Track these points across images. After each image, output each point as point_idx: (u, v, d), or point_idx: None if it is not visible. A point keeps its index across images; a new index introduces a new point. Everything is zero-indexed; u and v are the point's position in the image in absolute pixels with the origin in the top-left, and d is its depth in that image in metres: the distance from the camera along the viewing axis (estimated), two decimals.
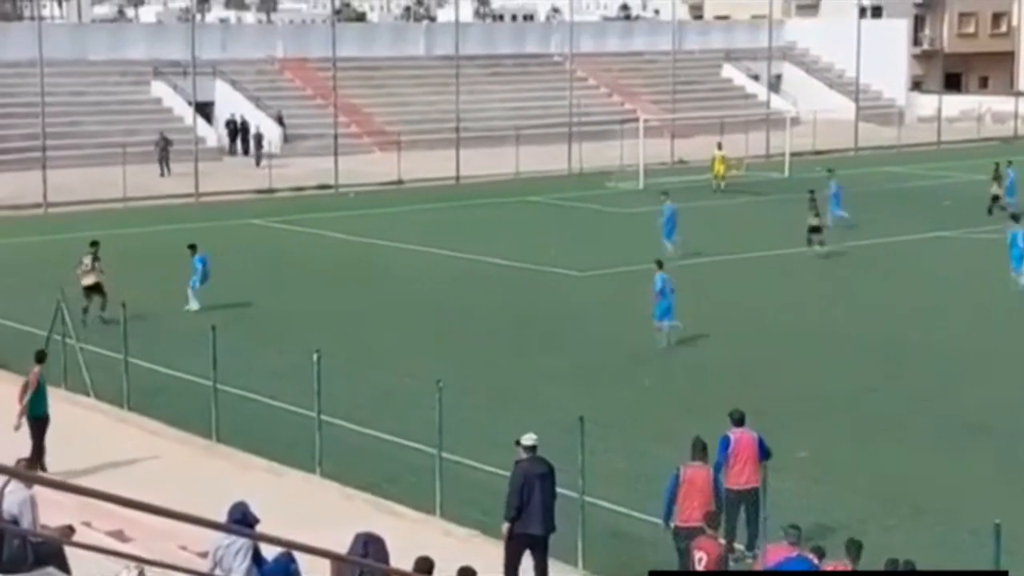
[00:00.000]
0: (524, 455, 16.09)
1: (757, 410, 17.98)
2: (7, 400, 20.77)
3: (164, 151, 54.56)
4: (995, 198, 43.22)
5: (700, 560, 14.66)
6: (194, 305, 30.09)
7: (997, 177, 43.96)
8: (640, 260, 36.89)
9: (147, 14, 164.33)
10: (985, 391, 24.46)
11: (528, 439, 16.11)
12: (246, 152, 60.81)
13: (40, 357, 20.86)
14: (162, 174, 53.89)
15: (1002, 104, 76.77)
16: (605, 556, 16.99)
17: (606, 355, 26.89)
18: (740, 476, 16.84)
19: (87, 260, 29.08)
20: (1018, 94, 76.05)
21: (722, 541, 15.17)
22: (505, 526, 16.08)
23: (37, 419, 19.89)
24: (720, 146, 51.98)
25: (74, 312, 25.21)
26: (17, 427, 19.70)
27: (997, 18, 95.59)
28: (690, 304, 31.66)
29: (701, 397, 23.40)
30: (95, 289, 28.69)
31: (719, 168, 50.17)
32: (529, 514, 15.82)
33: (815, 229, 36.69)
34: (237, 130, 61.91)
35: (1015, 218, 34.69)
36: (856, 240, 39.21)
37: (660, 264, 28.14)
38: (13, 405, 20.13)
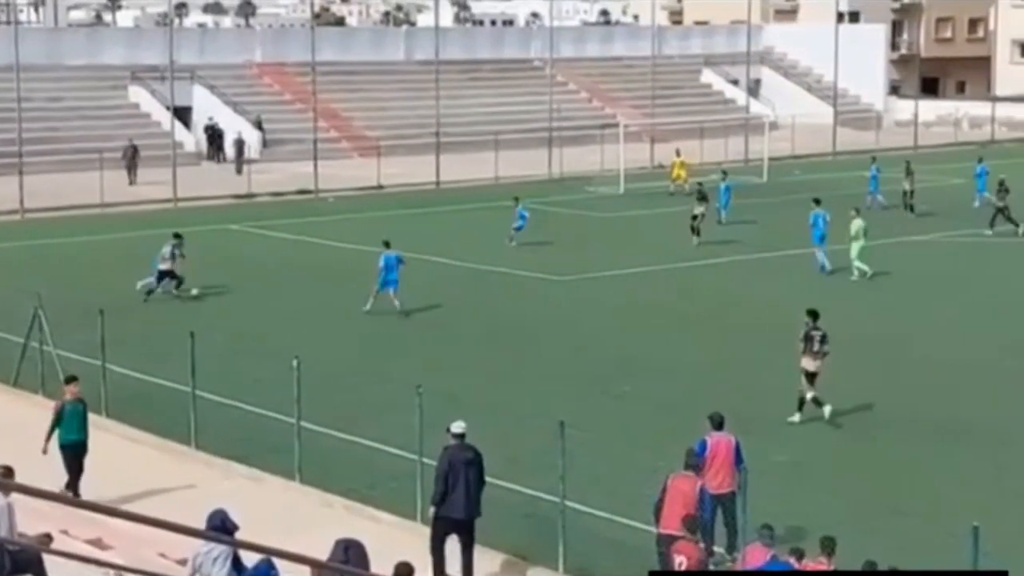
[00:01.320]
0: (452, 441, 16.57)
1: (735, 414, 18.01)
2: None
3: (132, 159, 54.01)
4: (909, 194, 45.39)
5: (680, 564, 14.70)
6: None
7: (909, 173, 45.76)
8: (621, 265, 37.00)
9: (124, 19, 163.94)
10: (964, 394, 24.55)
11: (457, 426, 16.61)
12: (218, 158, 60.28)
13: (67, 379, 19.79)
14: (131, 182, 53.20)
15: (979, 109, 77.12)
16: (586, 561, 17.00)
17: (586, 360, 26.89)
18: (715, 479, 16.88)
19: (166, 250, 32.18)
20: (994, 99, 76.39)
21: (702, 545, 15.20)
22: (431, 510, 16.57)
23: (62, 448, 19.03)
24: (678, 152, 52.23)
25: (52, 318, 25.07)
26: (44, 451, 18.96)
27: (974, 23, 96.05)
28: (671, 308, 31.73)
29: (681, 402, 23.42)
30: (170, 275, 32.01)
31: (680, 173, 50.45)
32: (453, 500, 16.29)
33: (695, 217, 39.68)
34: (215, 136, 61.65)
35: (816, 201, 37.28)
36: (835, 244, 39.30)
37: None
38: None
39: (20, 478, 16.23)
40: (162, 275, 32.12)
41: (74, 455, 18.97)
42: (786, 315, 28.45)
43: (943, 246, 40.34)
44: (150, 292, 31.90)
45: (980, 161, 48.24)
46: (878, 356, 27.29)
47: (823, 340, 22.56)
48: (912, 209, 45.06)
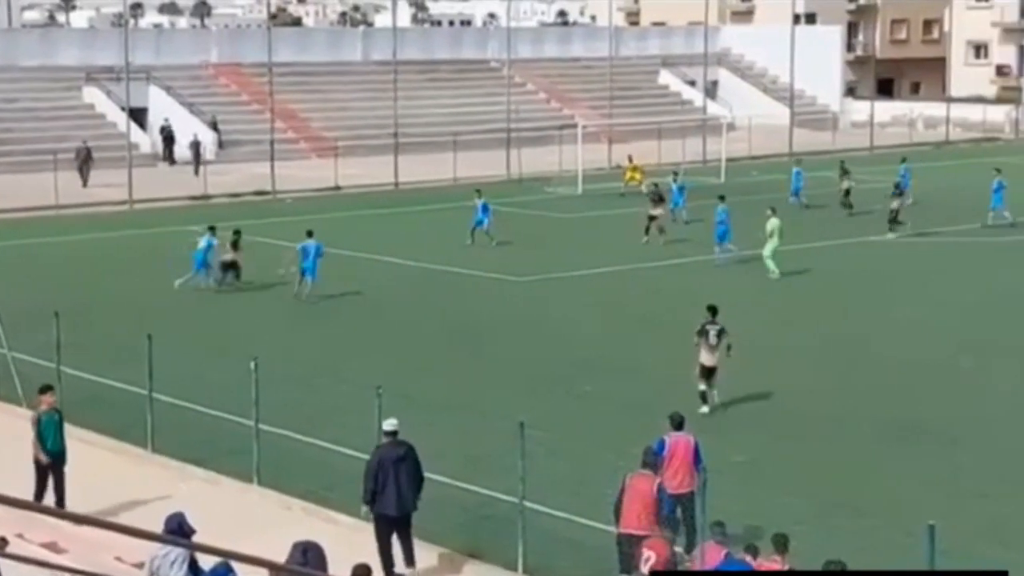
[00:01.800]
0: (385, 439, 16.79)
1: (695, 413, 18.05)
2: None
3: (85, 161, 53.39)
4: (846, 192, 45.99)
5: (648, 559, 14.65)
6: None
7: (844, 173, 46.37)
8: (580, 265, 37.05)
9: (79, 19, 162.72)
10: (920, 395, 24.72)
11: (388, 424, 16.87)
12: (169, 160, 59.74)
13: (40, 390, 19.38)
14: (84, 184, 52.47)
15: (933, 109, 77.72)
16: (545, 561, 16.99)
17: (547, 360, 26.90)
18: (674, 479, 16.91)
19: (227, 244, 34.11)
20: (949, 100, 77.00)
21: (671, 541, 15.14)
22: (364, 509, 16.79)
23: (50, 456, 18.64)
24: (631, 158, 52.38)
25: (6, 320, 24.83)
26: (39, 460, 18.53)
27: (928, 24, 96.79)
28: (631, 308, 31.79)
29: (641, 402, 23.45)
30: (231, 266, 33.88)
31: (634, 175, 50.58)
32: (385, 497, 16.47)
33: (652, 217, 40.28)
34: (170, 137, 61.14)
35: (721, 198, 38.59)
36: (792, 244, 39.53)
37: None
38: None
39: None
40: (225, 267, 33.86)
41: (54, 466, 18.54)
42: (746, 316, 28.60)
43: (900, 246, 40.58)
44: (220, 283, 33.68)
45: (903, 161, 49.38)
46: (835, 356, 27.44)
47: (719, 334, 22.98)
48: (851, 208, 45.43)
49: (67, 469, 18.72)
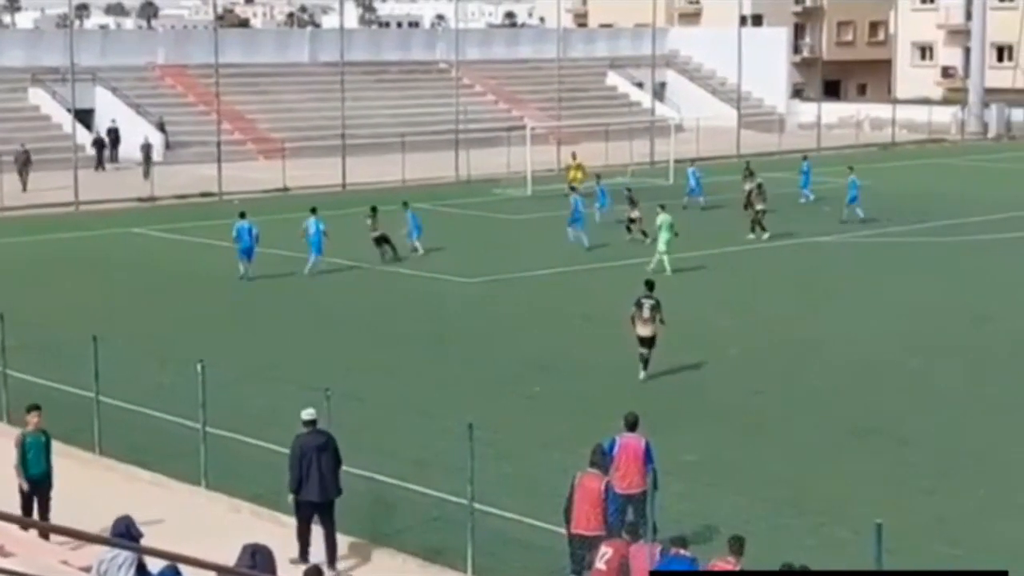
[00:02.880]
0: (303, 429, 17.26)
1: (643, 414, 18.09)
2: None
3: (24, 164, 52.57)
4: (749, 194, 44.84)
5: (604, 556, 14.59)
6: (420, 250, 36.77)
7: (749, 174, 45.82)
8: (529, 266, 37.08)
9: (24, 20, 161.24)
10: (869, 395, 24.90)
11: (306, 414, 17.38)
12: (104, 160, 58.88)
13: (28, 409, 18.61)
14: (24, 188, 51.55)
15: (880, 111, 78.38)
16: (495, 562, 16.98)
17: (496, 361, 26.90)
18: (624, 480, 16.92)
19: (368, 221, 36.60)
20: (895, 101, 77.69)
21: (632, 546, 15.00)
22: (290, 497, 17.22)
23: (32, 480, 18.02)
24: (574, 156, 52.44)
25: None
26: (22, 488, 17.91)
27: (874, 27, 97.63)
28: (580, 309, 31.84)
29: (590, 403, 23.51)
30: (384, 240, 36.14)
31: (576, 175, 50.52)
32: (308, 484, 16.96)
33: (632, 220, 40.57)
34: (118, 139, 60.57)
35: (572, 188, 41.97)
36: (740, 245, 39.78)
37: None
38: None
39: None
40: (379, 241, 36.33)
41: (39, 489, 17.95)
42: (695, 314, 28.73)
43: (847, 246, 40.89)
44: (383, 258, 36.25)
45: (805, 159, 50.41)
46: (785, 356, 27.60)
47: (654, 308, 24.90)
48: (750, 208, 44.21)
49: (11, 470, 18.41)
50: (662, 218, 36.13)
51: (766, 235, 40.83)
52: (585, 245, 38.79)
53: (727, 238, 40.73)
